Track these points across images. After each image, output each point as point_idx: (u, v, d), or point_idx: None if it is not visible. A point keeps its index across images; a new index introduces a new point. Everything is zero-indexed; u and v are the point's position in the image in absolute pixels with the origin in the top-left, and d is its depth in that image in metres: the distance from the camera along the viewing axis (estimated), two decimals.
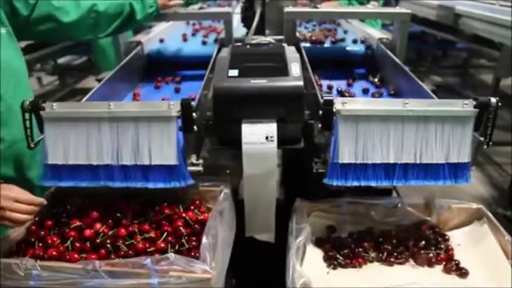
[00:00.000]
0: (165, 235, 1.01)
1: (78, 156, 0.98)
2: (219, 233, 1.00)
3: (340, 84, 1.48)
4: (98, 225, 1.02)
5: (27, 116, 0.97)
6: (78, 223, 1.02)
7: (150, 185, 0.99)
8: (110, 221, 1.03)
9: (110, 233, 1.00)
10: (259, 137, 0.99)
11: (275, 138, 0.99)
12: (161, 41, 1.81)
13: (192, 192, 1.15)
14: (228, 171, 1.50)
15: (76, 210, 1.08)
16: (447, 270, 1.01)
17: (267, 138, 0.99)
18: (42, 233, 1.01)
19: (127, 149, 0.97)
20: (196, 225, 1.04)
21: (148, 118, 0.96)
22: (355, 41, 1.80)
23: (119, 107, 0.97)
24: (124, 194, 1.11)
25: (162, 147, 0.97)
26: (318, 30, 2.07)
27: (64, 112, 0.97)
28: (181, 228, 1.02)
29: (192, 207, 1.10)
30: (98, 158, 0.98)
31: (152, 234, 1.00)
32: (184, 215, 1.07)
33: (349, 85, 1.48)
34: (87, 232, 1.00)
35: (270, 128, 1.00)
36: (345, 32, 2.05)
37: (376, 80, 1.50)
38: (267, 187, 1.04)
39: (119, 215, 1.04)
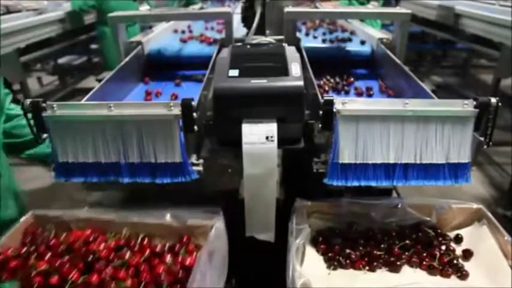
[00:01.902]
0: (142, 285, 0.89)
1: (86, 155, 1.00)
2: (207, 280, 0.89)
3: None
4: (67, 270, 0.90)
5: (29, 115, 0.98)
6: (44, 266, 0.91)
7: (157, 181, 1.01)
8: (82, 264, 0.93)
9: (80, 279, 0.89)
10: (259, 137, 0.99)
11: (275, 138, 0.99)
12: None
13: (179, 228, 1.04)
14: (230, 170, 1.49)
15: (46, 248, 0.98)
16: (447, 271, 1.01)
17: (267, 138, 0.99)
18: (4, 276, 0.92)
19: (132, 148, 0.99)
20: (180, 272, 0.93)
21: (149, 119, 0.96)
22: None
23: (120, 108, 0.97)
24: (105, 225, 1.03)
25: (165, 146, 0.98)
26: (329, 41, 1.86)
27: (64, 115, 0.98)
28: (162, 276, 0.91)
29: (178, 246, 1.00)
30: (105, 157, 1.00)
31: (128, 284, 0.89)
32: (168, 258, 0.96)
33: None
34: (53, 280, 0.89)
35: (270, 128, 1.00)
36: (363, 42, 1.79)
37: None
38: (267, 187, 1.04)
39: (92, 256, 0.94)
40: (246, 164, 1.00)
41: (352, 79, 1.50)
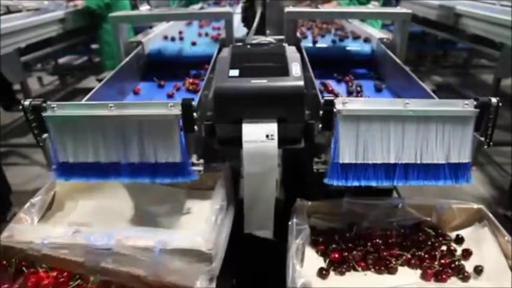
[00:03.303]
0: None
1: (86, 154, 1.00)
2: None
3: None
4: None
5: (29, 116, 0.98)
6: None
7: (158, 181, 1.01)
8: None
9: None
10: (259, 136, 0.99)
11: (275, 137, 0.99)
12: None
13: (157, 286, 0.91)
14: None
15: None
16: (448, 271, 1.00)
17: (267, 136, 0.99)
18: None
19: (132, 148, 0.98)
20: None
21: (149, 118, 0.96)
22: None
23: (120, 108, 0.97)
24: (73, 266, 0.91)
25: (165, 146, 0.97)
26: None
27: (64, 115, 0.97)
28: None
29: None
30: (105, 156, 0.99)
31: None
32: None
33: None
34: None
35: (271, 128, 1.00)
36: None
37: None
38: (267, 185, 1.03)
39: None
40: (246, 162, 1.00)
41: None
